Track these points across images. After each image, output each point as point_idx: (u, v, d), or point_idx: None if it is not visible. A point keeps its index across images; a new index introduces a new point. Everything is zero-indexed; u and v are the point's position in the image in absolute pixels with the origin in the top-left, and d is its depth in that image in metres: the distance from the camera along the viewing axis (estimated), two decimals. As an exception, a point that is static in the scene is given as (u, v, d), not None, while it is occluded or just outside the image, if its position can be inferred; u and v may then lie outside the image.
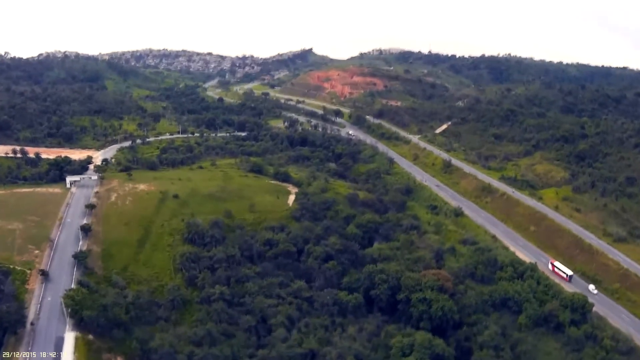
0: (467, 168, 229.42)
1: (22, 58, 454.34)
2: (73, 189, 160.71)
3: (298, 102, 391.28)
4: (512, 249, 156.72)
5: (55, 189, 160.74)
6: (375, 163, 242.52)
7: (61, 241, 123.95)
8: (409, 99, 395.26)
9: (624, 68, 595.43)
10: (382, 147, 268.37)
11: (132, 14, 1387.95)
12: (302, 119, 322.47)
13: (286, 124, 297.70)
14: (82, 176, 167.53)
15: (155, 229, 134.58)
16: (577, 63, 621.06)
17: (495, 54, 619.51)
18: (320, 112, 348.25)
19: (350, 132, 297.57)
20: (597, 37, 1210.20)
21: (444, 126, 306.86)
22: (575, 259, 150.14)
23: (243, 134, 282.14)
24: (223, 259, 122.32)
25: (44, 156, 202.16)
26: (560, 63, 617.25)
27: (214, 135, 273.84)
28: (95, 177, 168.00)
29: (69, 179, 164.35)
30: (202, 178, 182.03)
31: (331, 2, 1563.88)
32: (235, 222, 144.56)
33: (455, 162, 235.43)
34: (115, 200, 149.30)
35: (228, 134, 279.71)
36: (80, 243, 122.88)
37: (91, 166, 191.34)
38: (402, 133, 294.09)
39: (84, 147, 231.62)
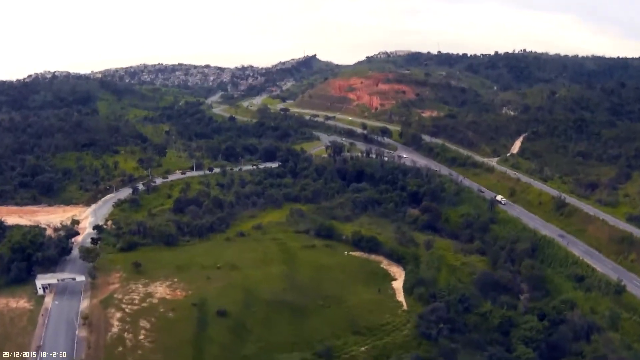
0: (585, 207, 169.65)
1: (5, 81, 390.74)
2: (47, 300, 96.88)
3: (327, 118, 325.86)
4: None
5: (20, 301, 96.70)
6: (466, 204, 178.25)
7: None
8: (444, 108, 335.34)
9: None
10: (459, 176, 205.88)
11: (124, 30, 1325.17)
12: (341, 140, 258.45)
13: (329, 149, 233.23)
14: (60, 277, 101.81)
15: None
16: (593, 55, 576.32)
17: (510, 50, 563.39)
18: (360, 130, 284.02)
19: (405, 156, 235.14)
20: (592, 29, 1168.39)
21: (517, 143, 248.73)
22: None
23: (273, 165, 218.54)
24: None
25: (10, 222, 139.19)
26: (576, 56, 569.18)
27: (237, 169, 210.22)
28: (81, 278, 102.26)
29: (39, 281, 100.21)
30: (252, 259, 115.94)
31: (328, 6, 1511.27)
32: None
33: (569, 199, 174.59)
34: (119, 334, 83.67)
35: (254, 167, 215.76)
36: None
37: (77, 239, 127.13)
38: (476, 156, 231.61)
39: (67, 202, 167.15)
